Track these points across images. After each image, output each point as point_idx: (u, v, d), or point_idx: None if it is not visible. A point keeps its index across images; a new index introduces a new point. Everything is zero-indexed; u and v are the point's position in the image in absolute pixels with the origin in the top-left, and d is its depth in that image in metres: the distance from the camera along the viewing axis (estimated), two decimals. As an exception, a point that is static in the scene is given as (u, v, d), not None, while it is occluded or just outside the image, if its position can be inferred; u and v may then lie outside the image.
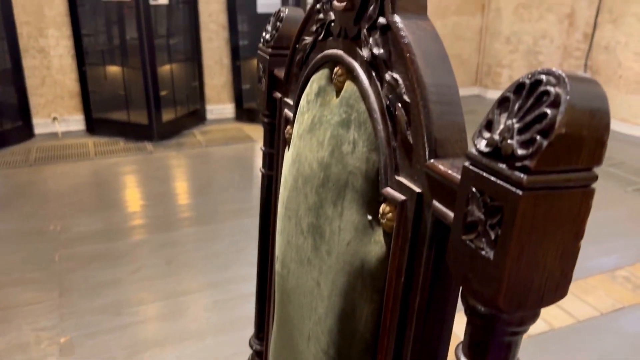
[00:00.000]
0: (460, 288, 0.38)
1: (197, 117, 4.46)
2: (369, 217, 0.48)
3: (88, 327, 2.06)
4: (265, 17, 4.34)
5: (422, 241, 0.42)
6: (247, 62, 4.51)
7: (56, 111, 4.10)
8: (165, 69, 4.10)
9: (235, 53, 4.43)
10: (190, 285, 2.34)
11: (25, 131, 3.96)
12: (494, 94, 5.17)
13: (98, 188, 3.34)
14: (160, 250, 2.60)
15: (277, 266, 0.69)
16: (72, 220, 2.87)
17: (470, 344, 0.37)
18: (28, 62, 3.90)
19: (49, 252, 2.56)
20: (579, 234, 0.33)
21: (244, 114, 4.59)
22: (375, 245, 0.47)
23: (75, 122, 4.18)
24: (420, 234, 0.42)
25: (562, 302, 2.24)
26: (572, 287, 2.34)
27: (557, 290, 0.34)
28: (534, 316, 0.35)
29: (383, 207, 0.46)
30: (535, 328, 2.08)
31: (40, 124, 4.08)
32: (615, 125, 4.27)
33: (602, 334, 2.08)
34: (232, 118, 4.68)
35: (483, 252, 0.33)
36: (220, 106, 4.60)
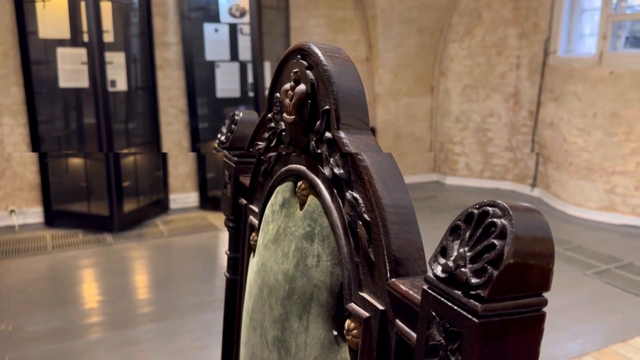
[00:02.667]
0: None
1: (159, 206, 4.43)
2: (335, 333, 0.49)
3: None
4: (224, 101, 4.47)
5: (388, 359, 0.43)
6: (207, 144, 4.57)
7: (14, 204, 4.01)
8: (128, 160, 4.11)
9: (195, 136, 4.49)
10: (149, 387, 2.23)
11: (-21, 225, 3.84)
12: (453, 180, 5.34)
13: (54, 283, 3.22)
14: (118, 350, 2.49)
15: (242, 378, 0.68)
16: (25, 318, 2.74)
17: None
18: (-13, 155, 3.86)
19: (-2, 355, 2.41)
20: (533, 355, 0.34)
21: (208, 202, 4.58)
22: (341, 362, 0.48)
23: (34, 214, 4.09)
24: (386, 352, 0.43)
25: None
26: (541, 376, 2.33)
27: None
28: None
29: (348, 323, 0.47)
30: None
31: (-4, 217, 3.97)
32: (570, 209, 4.43)
33: None
34: (196, 206, 4.66)
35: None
36: (184, 195, 4.60)
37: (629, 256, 3.71)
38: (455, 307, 0.33)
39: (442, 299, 0.34)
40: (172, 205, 4.60)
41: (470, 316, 0.32)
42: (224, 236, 4.00)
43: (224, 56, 4.39)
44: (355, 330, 0.46)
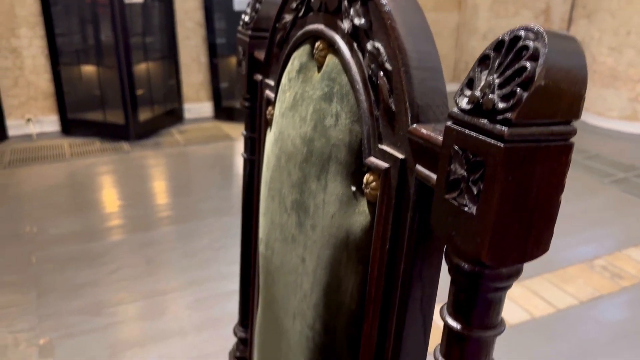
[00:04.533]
0: (445, 248, 0.38)
1: (174, 116, 4.42)
2: (353, 189, 0.48)
3: (67, 328, 2.02)
4: (242, 14, 4.33)
5: (406, 207, 0.42)
6: (225, 60, 4.49)
7: (30, 112, 4.03)
8: (141, 68, 4.06)
9: (213, 51, 4.40)
10: (170, 284, 2.32)
11: (-2, 133, 3.89)
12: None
13: (74, 189, 3.29)
14: (139, 250, 2.57)
15: (261, 248, 0.69)
16: (49, 222, 2.82)
17: (455, 302, 0.37)
18: (0, 63, 3.83)
19: (26, 255, 2.51)
20: (559, 187, 0.33)
21: (222, 112, 4.57)
22: (360, 216, 0.48)
23: (50, 123, 4.11)
24: (404, 200, 0.42)
25: (542, 291, 2.28)
26: (552, 277, 2.38)
27: (539, 244, 0.34)
28: (517, 272, 0.36)
29: (367, 177, 0.46)
30: (515, 317, 2.11)
31: (14, 126, 4.00)
32: (590, 118, 4.35)
33: (581, 323, 2.11)
34: (210, 117, 4.65)
35: (466, 209, 0.34)
36: (198, 105, 4.57)
37: (648, 165, 3.67)
38: (480, 136, 0.32)
39: (467, 130, 0.33)
40: (187, 115, 4.59)
41: (495, 142, 0.31)
42: (240, 146, 4.02)
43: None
44: (374, 183, 0.45)
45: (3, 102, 3.89)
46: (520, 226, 0.33)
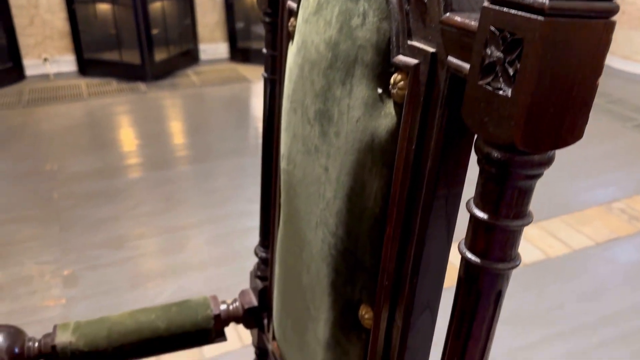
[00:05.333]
0: (474, 141, 0.37)
1: (190, 57, 4.38)
2: (379, 91, 0.47)
3: (90, 261, 2.08)
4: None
5: (435, 104, 0.41)
6: (241, -2, 4.40)
7: (46, 52, 4.02)
8: (156, 6, 4.00)
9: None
10: (189, 220, 2.36)
11: (15, 72, 3.89)
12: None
13: (92, 128, 3.32)
14: (158, 188, 2.61)
15: (283, 164, 0.69)
16: (68, 160, 2.86)
17: (482, 193, 0.37)
18: (15, 1, 3.79)
19: (47, 191, 2.56)
20: (598, 69, 0.32)
21: (238, 53, 4.51)
22: (386, 118, 0.47)
23: (67, 62, 4.10)
24: (433, 97, 0.41)
25: (558, 232, 2.28)
26: (569, 218, 2.38)
27: (574, 130, 0.34)
28: (549, 161, 0.35)
29: (394, 77, 0.45)
30: (530, 257, 2.12)
31: (31, 66, 4.00)
32: (615, 62, 4.22)
33: (596, 263, 2.12)
34: (226, 58, 4.60)
35: (500, 92, 0.33)
36: (213, 45, 4.52)
37: (673, 109, 3.59)
38: (519, 13, 0.31)
39: (505, 8, 0.32)
40: (202, 56, 4.54)
41: (535, 16, 0.30)
42: (256, 88, 3.99)
43: None
44: (402, 82, 0.44)
45: (19, 41, 3.88)
46: (556, 110, 0.32)
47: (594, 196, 2.56)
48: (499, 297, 0.39)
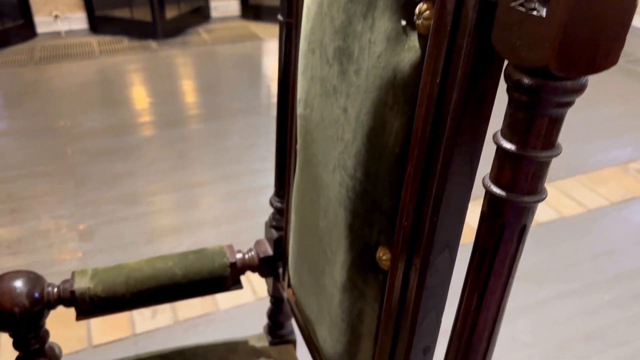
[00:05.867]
0: (503, 69, 0.36)
1: (201, 14, 4.32)
2: (403, 23, 0.46)
3: (105, 216, 2.10)
4: None
5: (463, 32, 0.40)
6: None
7: (57, 9, 3.97)
8: (166, -38, 3.93)
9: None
10: (203, 177, 2.37)
11: (27, 30, 3.87)
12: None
13: (104, 86, 3.31)
14: (171, 145, 2.61)
15: (300, 109, 0.68)
16: (81, 116, 2.86)
17: (511, 124, 0.36)
18: (24, -44, 3.74)
19: (61, 147, 2.57)
20: (640, -12, 0.31)
21: (250, 11, 4.44)
22: (409, 52, 0.45)
23: (78, 20, 4.06)
24: (461, 25, 0.40)
25: (573, 192, 2.26)
26: (584, 178, 2.35)
27: (609, 54, 0.32)
28: (581, 88, 0.34)
29: (419, 7, 0.43)
30: (545, 216, 2.11)
31: (42, 23, 3.97)
32: (637, 21, 4.10)
33: (610, 222, 2.11)
34: (237, 16, 4.53)
35: (534, 12, 0.31)
36: (224, 3, 4.44)
37: (695, 69, 3.50)
38: None
39: None
40: (213, 13, 4.48)
41: None
42: (268, 46, 3.94)
43: None
44: (427, 12, 0.43)
45: (29, -3, 3.84)
46: (592, 31, 0.31)
47: (610, 157, 2.53)
48: (523, 231, 0.38)
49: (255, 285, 1.73)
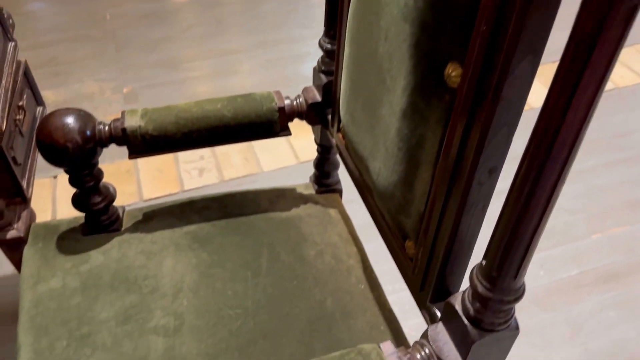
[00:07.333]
0: None
1: None
2: None
3: (147, 80, 2.10)
4: None
5: None
6: None
7: None
8: None
9: None
10: (241, 44, 2.31)
11: None
12: None
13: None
14: (209, 11, 2.53)
15: None
16: (117, -20, 2.77)
17: None
18: None
19: (100, 11, 2.52)
20: None
21: None
22: None
23: None
24: None
25: (631, 62, 2.13)
26: (645, 47, 2.20)
27: None
28: None
29: None
30: (598, 86, 2.01)
31: None
32: None
33: (669, 94, 1.99)
34: None
35: None
36: None
37: None
38: None
39: None
40: None
41: None
42: None
43: None
44: None
45: None
46: None
47: None
48: (633, 12, 0.34)
49: (297, 150, 1.73)
